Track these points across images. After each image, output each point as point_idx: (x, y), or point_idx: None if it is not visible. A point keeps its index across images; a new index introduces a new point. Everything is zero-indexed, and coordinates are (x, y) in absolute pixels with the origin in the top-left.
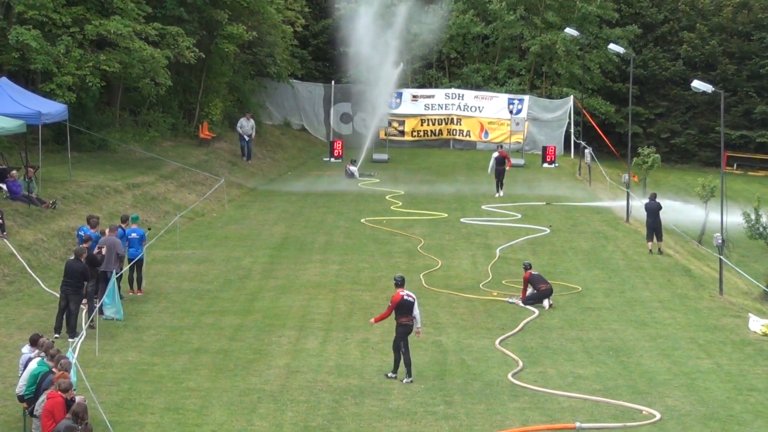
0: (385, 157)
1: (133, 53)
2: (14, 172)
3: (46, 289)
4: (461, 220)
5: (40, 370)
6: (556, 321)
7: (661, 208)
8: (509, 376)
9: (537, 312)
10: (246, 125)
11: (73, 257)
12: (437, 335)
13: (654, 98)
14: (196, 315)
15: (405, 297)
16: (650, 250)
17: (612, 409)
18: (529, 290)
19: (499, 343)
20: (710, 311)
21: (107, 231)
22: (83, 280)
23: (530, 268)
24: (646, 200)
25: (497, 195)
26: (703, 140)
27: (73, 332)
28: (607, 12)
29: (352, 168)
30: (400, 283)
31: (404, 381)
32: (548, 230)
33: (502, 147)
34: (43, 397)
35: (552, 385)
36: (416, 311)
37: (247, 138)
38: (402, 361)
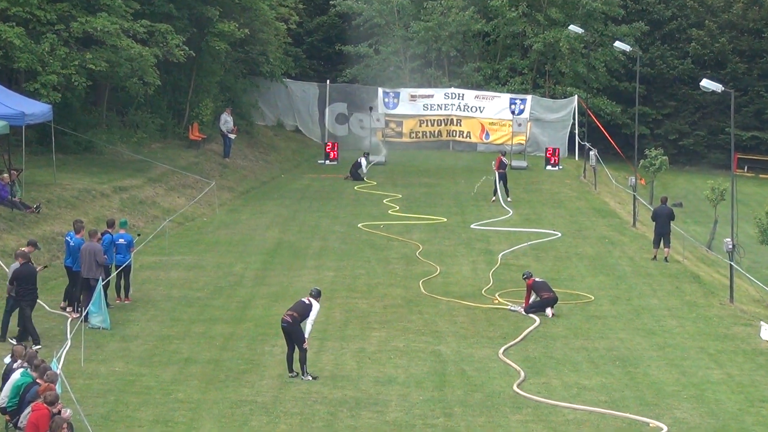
0: (382, 159)
1: (121, 51)
2: (5, 175)
3: None
4: (472, 226)
5: (23, 381)
6: (561, 330)
7: (671, 212)
8: (514, 386)
9: (538, 320)
10: (230, 121)
11: (22, 262)
12: (436, 344)
13: (661, 98)
14: (185, 324)
15: (302, 300)
16: (654, 257)
17: (618, 421)
18: (533, 298)
19: (502, 353)
20: (720, 319)
21: (88, 235)
22: (34, 283)
23: (531, 277)
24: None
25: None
26: (713, 141)
27: (35, 336)
28: (613, 8)
29: (363, 161)
30: (313, 294)
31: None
32: (559, 234)
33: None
34: (28, 409)
35: (556, 397)
36: (310, 317)
37: (228, 134)
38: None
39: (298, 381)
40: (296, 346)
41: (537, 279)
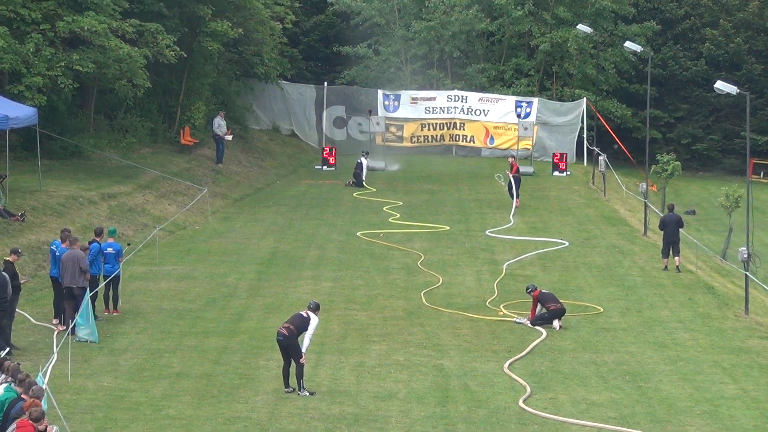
0: (382, 165)
1: (109, 52)
2: None
3: (17, 309)
4: (487, 232)
5: (7, 397)
6: (568, 343)
7: (680, 220)
8: (520, 402)
9: (545, 333)
10: (223, 125)
11: None
12: (439, 358)
13: (674, 101)
14: (177, 337)
15: (299, 313)
16: (665, 267)
17: None
18: (540, 310)
19: (508, 367)
20: (735, 332)
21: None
22: (6, 291)
23: (536, 289)
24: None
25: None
26: (728, 146)
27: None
28: (623, 7)
29: (363, 160)
30: (312, 307)
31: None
32: (566, 243)
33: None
34: (12, 426)
35: (564, 413)
36: (308, 331)
37: (221, 138)
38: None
39: (295, 396)
40: (293, 361)
41: (543, 290)
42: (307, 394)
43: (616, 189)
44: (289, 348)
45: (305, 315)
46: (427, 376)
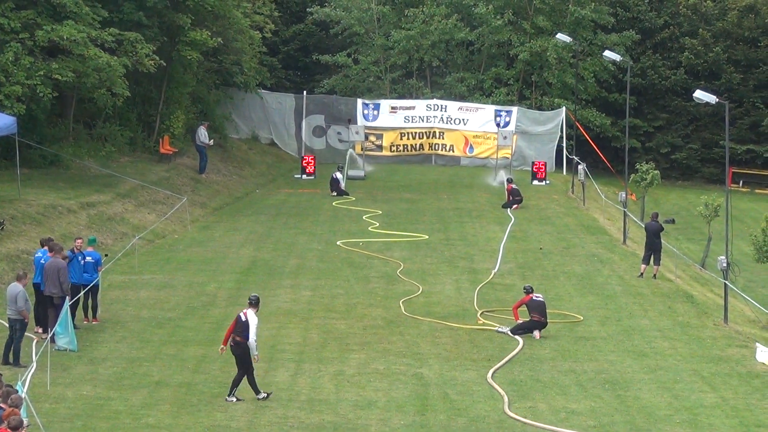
0: (361, 173)
1: (88, 61)
2: None
3: None
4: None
5: None
6: (548, 351)
7: (662, 229)
8: (505, 408)
9: (522, 342)
10: (206, 135)
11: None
12: (418, 367)
13: (653, 110)
14: (156, 345)
15: (239, 315)
16: (641, 274)
17: None
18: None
19: (491, 377)
20: (714, 341)
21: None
22: None
23: (530, 292)
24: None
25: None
26: (707, 155)
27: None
28: (602, 16)
29: (338, 175)
30: (252, 302)
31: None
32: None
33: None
34: None
35: (543, 421)
36: (250, 333)
37: (205, 149)
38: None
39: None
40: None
41: (536, 297)
42: (234, 400)
43: (596, 198)
44: (242, 356)
45: (244, 318)
46: (407, 385)
